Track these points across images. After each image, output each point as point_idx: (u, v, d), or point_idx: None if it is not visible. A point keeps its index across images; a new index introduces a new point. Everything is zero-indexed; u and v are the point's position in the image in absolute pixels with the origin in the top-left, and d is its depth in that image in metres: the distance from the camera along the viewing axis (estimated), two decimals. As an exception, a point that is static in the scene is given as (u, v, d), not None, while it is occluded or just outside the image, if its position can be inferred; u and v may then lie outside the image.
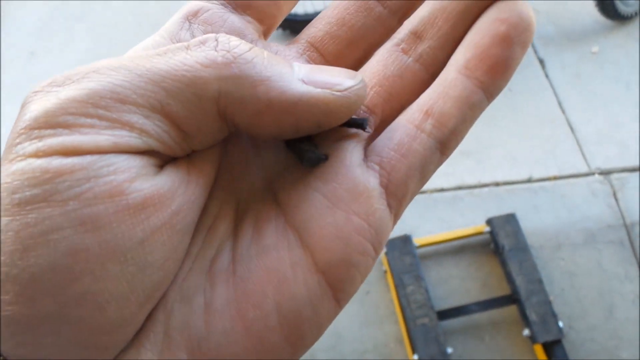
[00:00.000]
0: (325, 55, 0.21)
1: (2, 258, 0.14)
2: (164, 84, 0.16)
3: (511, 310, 1.13)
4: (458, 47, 0.20)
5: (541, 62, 1.58)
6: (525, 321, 1.08)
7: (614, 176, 1.33)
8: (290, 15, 1.55)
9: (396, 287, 1.11)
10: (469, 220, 1.24)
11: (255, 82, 0.17)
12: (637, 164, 1.35)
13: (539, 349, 1.07)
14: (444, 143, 0.19)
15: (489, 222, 1.19)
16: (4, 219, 0.14)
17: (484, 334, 1.12)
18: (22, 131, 0.15)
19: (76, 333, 0.15)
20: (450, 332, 1.12)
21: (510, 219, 1.18)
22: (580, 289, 1.16)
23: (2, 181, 0.15)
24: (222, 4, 0.20)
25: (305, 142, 0.19)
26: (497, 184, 1.32)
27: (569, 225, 1.24)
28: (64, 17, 1.79)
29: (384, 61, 0.21)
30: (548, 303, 1.08)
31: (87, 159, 0.15)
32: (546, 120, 1.46)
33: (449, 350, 1.06)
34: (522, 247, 1.15)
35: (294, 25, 1.55)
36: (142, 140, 0.16)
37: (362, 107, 0.20)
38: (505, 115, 1.44)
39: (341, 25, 0.21)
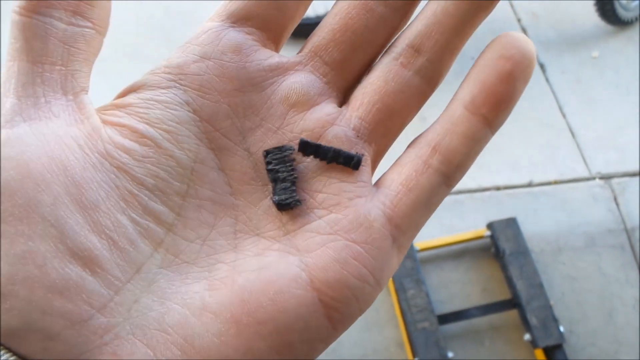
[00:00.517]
0: (330, 63, 0.21)
1: None
2: None
3: (512, 314, 1.13)
4: (463, 82, 0.20)
5: (541, 66, 1.58)
6: (526, 325, 1.08)
7: (615, 181, 1.33)
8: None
9: (397, 291, 1.11)
10: (469, 224, 1.24)
11: None
12: (638, 168, 1.35)
13: (539, 354, 1.07)
14: (450, 177, 0.20)
15: (490, 226, 1.19)
16: None
17: (484, 338, 1.12)
18: None
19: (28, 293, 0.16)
20: (451, 336, 1.12)
21: (511, 223, 1.18)
22: (581, 294, 1.16)
23: None
24: (221, 22, 0.21)
25: (288, 177, 0.20)
26: (497, 188, 1.32)
27: (569, 229, 1.24)
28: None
29: (384, 76, 0.21)
30: (549, 307, 1.08)
31: None
32: (547, 125, 1.46)
33: (450, 354, 1.06)
34: (522, 251, 1.15)
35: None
36: None
37: (364, 126, 0.21)
38: (506, 120, 1.44)
39: (345, 31, 0.21)
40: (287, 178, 0.20)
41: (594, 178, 1.35)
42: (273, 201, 0.20)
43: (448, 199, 1.29)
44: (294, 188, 0.20)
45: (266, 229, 0.20)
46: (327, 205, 0.20)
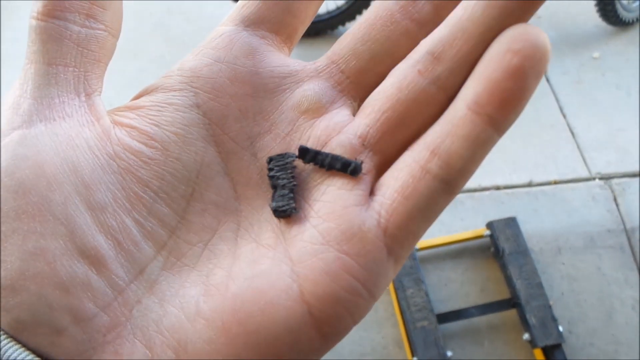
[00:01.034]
0: (347, 71, 0.21)
1: None
2: None
3: (511, 314, 1.13)
4: (467, 80, 0.19)
5: (542, 67, 1.58)
6: (525, 325, 1.08)
7: (615, 181, 1.33)
8: None
9: (396, 290, 1.11)
10: (469, 224, 1.24)
11: None
12: (638, 169, 1.35)
13: (538, 353, 1.07)
14: (451, 183, 0.18)
15: (489, 225, 1.19)
16: None
17: (483, 337, 1.12)
18: None
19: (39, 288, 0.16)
20: (450, 335, 1.12)
21: (511, 223, 1.18)
22: (580, 294, 1.16)
23: None
24: (235, 26, 0.21)
25: (287, 184, 0.20)
26: (497, 188, 1.32)
27: (569, 229, 1.24)
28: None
29: (399, 84, 0.19)
30: (548, 307, 1.08)
31: None
32: (547, 125, 1.46)
33: (449, 353, 1.06)
34: (522, 251, 1.15)
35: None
36: None
37: (371, 134, 0.20)
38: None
39: (366, 40, 0.21)
40: (287, 185, 0.20)
41: (593, 178, 1.35)
42: (270, 208, 0.20)
43: (448, 199, 1.30)
44: (291, 195, 0.19)
45: (265, 236, 0.19)
46: (322, 213, 0.19)
